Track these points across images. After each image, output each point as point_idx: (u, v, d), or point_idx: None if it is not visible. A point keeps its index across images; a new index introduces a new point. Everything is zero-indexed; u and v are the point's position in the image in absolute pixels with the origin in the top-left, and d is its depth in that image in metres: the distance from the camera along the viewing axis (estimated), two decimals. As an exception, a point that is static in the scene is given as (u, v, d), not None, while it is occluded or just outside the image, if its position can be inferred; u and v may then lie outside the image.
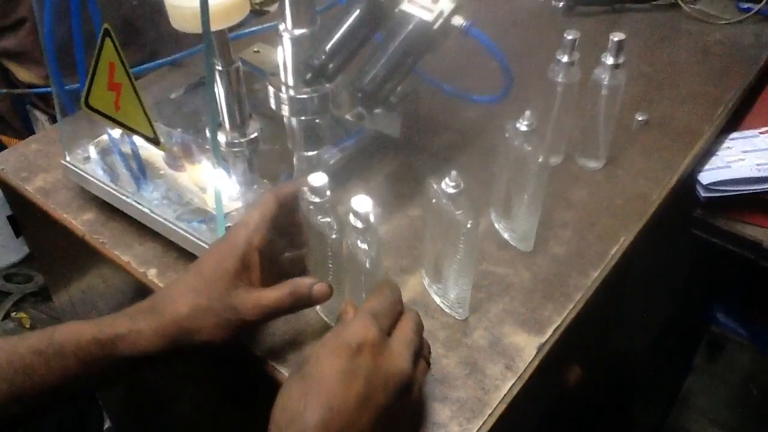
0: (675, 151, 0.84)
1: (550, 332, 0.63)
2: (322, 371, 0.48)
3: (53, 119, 1.38)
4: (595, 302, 0.68)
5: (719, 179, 0.88)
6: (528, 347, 0.62)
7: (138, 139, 0.72)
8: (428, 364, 0.55)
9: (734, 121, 0.97)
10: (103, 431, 1.36)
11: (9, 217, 1.75)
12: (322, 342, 0.50)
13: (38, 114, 1.38)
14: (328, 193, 0.57)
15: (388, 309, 0.53)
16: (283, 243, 0.63)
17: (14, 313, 1.62)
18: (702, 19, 1.10)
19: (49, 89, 1.22)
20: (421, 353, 0.53)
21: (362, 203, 0.54)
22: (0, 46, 1.28)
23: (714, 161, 0.91)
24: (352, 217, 0.55)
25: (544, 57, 0.76)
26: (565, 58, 0.73)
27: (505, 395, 0.58)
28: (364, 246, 0.56)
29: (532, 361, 0.61)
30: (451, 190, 0.57)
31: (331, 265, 0.61)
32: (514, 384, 0.59)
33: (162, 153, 0.74)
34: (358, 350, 0.49)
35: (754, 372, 1.17)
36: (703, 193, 0.88)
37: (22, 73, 1.29)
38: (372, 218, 0.55)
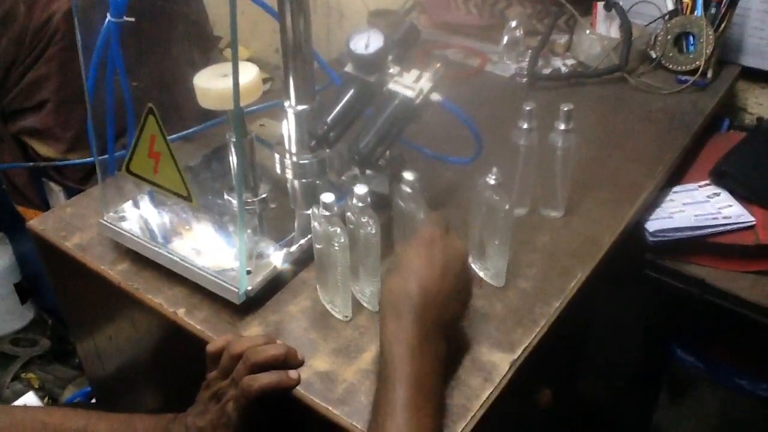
0: (623, 203, 0.98)
1: (520, 351, 0.75)
2: (412, 259, 0.69)
3: (67, 191, 1.50)
4: (559, 329, 0.80)
5: (663, 228, 1.03)
6: (503, 363, 0.74)
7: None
8: None
9: (677, 176, 1.12)
10: None
11: (16, 285, 1.86)
12: (406, 245, 0.71)
13: (53, 186, 1.50)
14: (368, 199, 0.74)
15: (443, 218, 0.74)
16: None
17: (23, 374, 1.71)
18: (646, 90, 1.27)
19: (68, 162, 1.34)
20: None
21: (361, 188, 0.73)
22: (21, 125, 1.42)
23: (659, 212, 1.06)
24: (354, 200, 0.73)
25: (511, 125, 0.90)
26: (525, 125, 0.88)
27: (483, 402, 0.70)
28: (369, 219, 0.74)
29: (506, 374, 0.73)
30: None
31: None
32: (491, 392, 0.71)
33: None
34: (432, 241, 0.70)
35: (716, 405, 1.27)
36: (650, 239, 1.03)
37: (42, 149, 1.42)
38: (368, 199, 0.74)
